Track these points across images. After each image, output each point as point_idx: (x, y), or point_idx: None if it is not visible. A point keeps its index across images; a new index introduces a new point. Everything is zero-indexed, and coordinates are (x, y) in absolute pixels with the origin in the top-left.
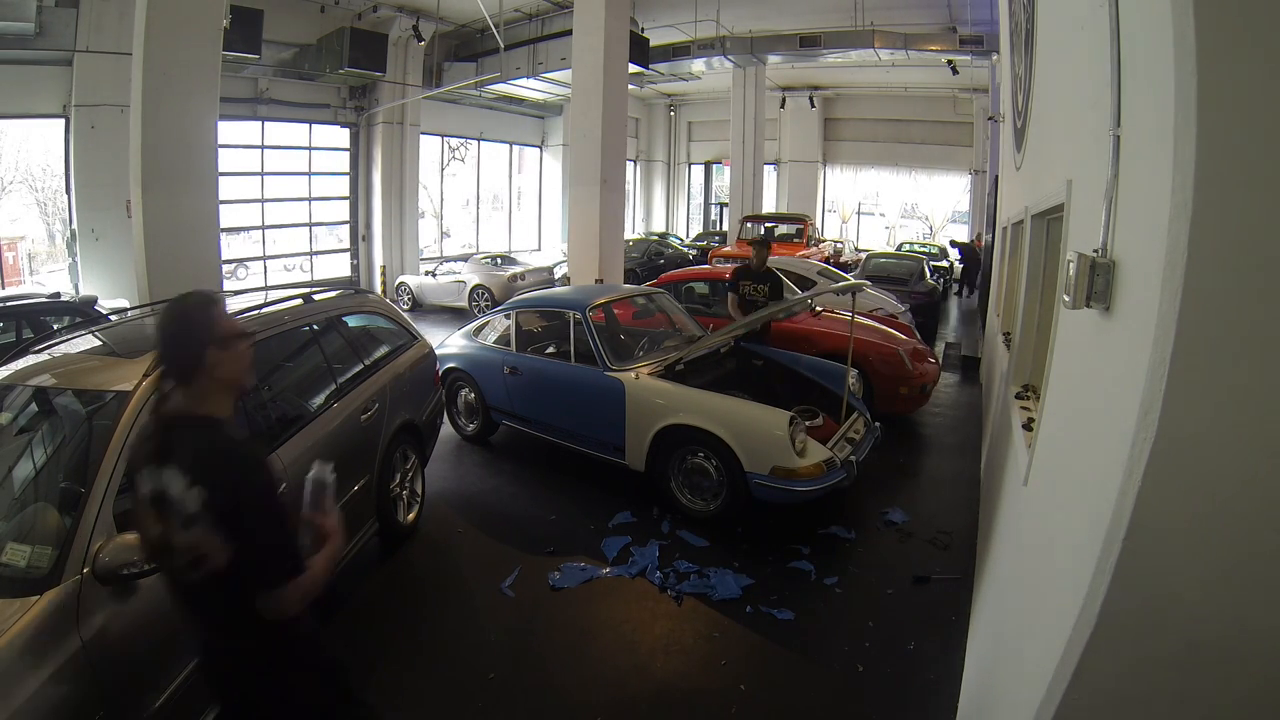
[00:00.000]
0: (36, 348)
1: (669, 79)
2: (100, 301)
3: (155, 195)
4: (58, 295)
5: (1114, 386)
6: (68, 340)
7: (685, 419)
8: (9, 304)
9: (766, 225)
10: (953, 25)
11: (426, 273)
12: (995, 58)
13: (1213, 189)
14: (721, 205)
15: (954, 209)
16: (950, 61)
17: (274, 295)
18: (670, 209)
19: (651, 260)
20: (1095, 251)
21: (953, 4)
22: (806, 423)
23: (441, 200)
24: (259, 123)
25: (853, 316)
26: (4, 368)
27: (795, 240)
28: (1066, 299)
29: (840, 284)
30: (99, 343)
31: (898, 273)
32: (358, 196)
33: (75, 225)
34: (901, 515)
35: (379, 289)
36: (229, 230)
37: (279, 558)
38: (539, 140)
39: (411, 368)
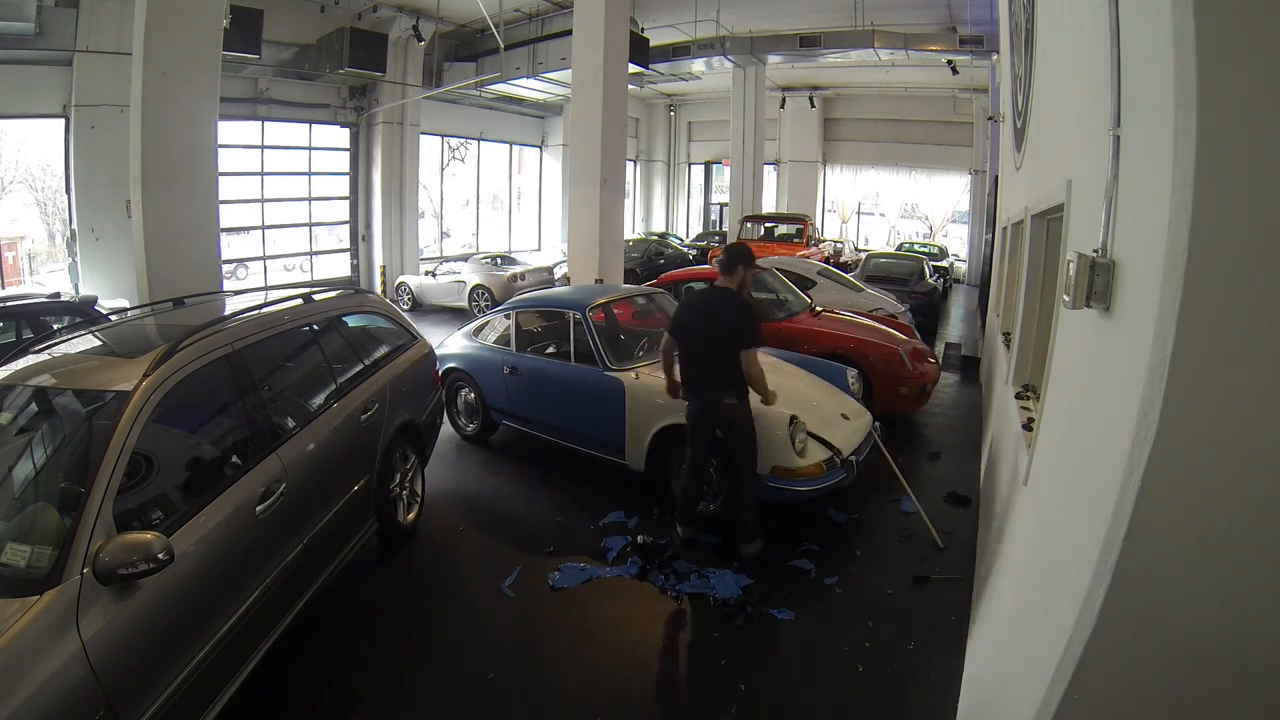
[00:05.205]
0: (36, 348)
1: (669, 79)
2: (100, 301)
3: (155, 195)
4: (57, 295)
5: (1114, 386)
6: (68, 340)
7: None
8: (9, 304)
9: (766, 225)
10: (953, 25)
11: (426, 273)
12: (995, 58)
13: (1213, 189)
14: (721, 205)
15: (954, 209)
16: (950, 61)
17: (274, 295)
18: (670, 209)
19: (651, 260)
20: (1095, 251)
21: (953, 4)
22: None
23: (441, 200)
24: (259, 123)
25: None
26: (4, 368)
27: (795, 240)
28: (1066, 299)
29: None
30: (99, 343)
31: (898, 273)
32: (358, 196)
33: (75, 225)
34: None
35: (379, 289)
36: (229, 230)
37: None
38: (539, 140)
39: (411, 368)
